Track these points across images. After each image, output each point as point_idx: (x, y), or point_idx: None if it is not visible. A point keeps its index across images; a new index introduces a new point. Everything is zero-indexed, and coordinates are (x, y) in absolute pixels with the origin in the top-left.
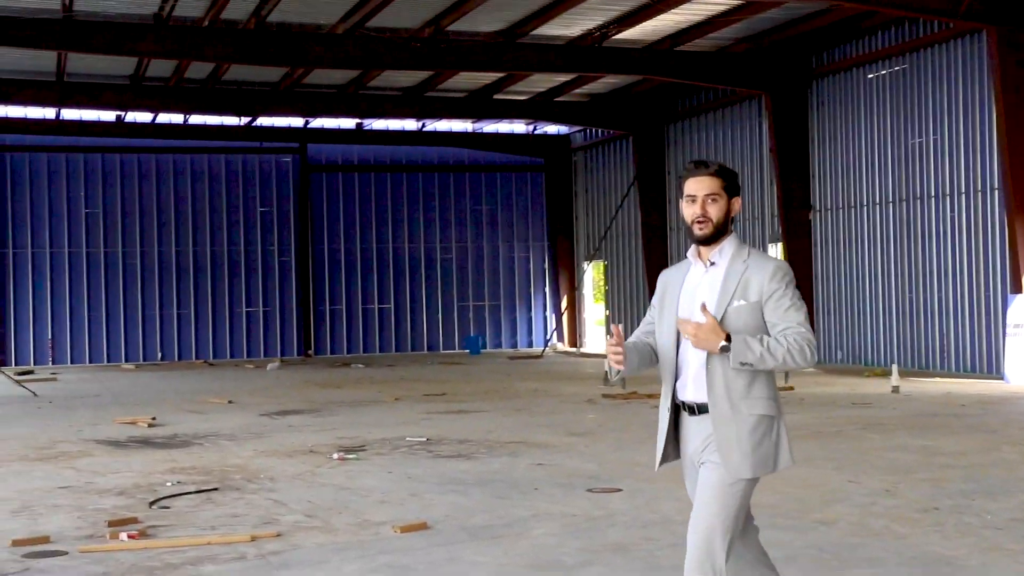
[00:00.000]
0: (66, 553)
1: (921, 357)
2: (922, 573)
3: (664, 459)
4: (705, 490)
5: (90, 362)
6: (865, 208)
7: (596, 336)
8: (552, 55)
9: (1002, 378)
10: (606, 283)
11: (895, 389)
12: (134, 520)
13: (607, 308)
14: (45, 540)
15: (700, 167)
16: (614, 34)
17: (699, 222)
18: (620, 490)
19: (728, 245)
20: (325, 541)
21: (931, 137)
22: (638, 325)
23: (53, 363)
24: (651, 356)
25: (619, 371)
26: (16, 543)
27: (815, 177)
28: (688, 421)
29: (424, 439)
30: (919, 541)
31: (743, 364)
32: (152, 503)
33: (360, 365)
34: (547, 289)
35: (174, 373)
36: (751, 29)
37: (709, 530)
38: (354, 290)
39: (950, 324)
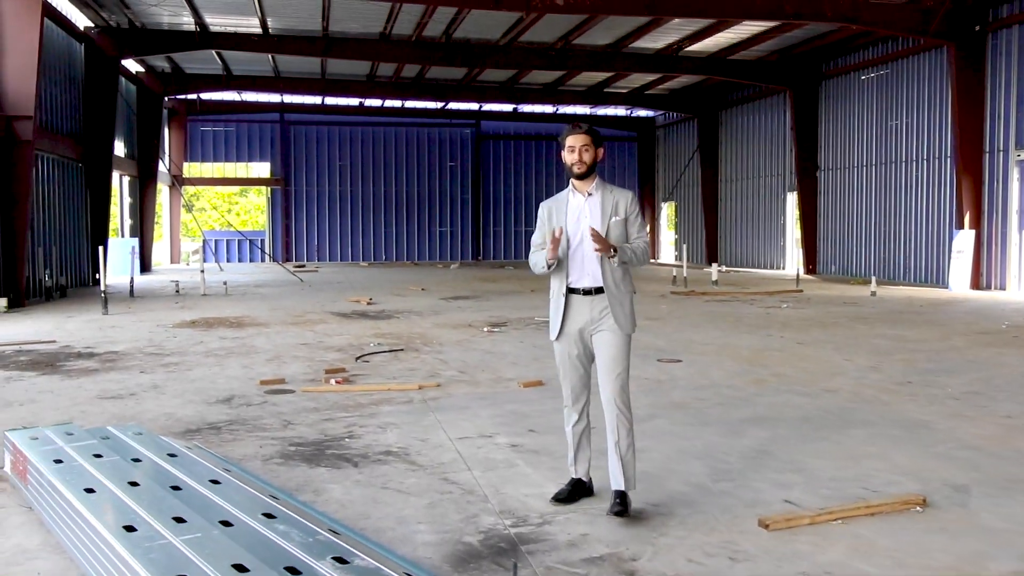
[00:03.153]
0: (293, 392)
1: (891, 271)
2: (904, 432)
3: (560, 332)
4: (611, 349)
5: (340, 260)
6: (856, 169)
7: (669, 252)
8: (644, 61)
9: (947, 287)
10: (676, 216)
11: (873, 293)
12: (343, 370)
13: (676, 232)
14: (282, 381)
15: (576, 128)
16: (687, 47)
17: (577, 164)
18: (680, 361)
19: (597, 182)
20: (470, 391)
21: (904, 120)
22: (697, 246)
23: (317, 260)
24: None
25: (551, 263)
26: (262, 383)
27: (821, 148)
28: (580, 302)
29: (547, 319)
30: (900, 408)
31: (623, 262)
32: (358, 358)
33: (511, 267)
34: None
35: (391, 269)
36: (780, 44)
37: (624, 373)
38: (509, 217)
39: (911, 249)
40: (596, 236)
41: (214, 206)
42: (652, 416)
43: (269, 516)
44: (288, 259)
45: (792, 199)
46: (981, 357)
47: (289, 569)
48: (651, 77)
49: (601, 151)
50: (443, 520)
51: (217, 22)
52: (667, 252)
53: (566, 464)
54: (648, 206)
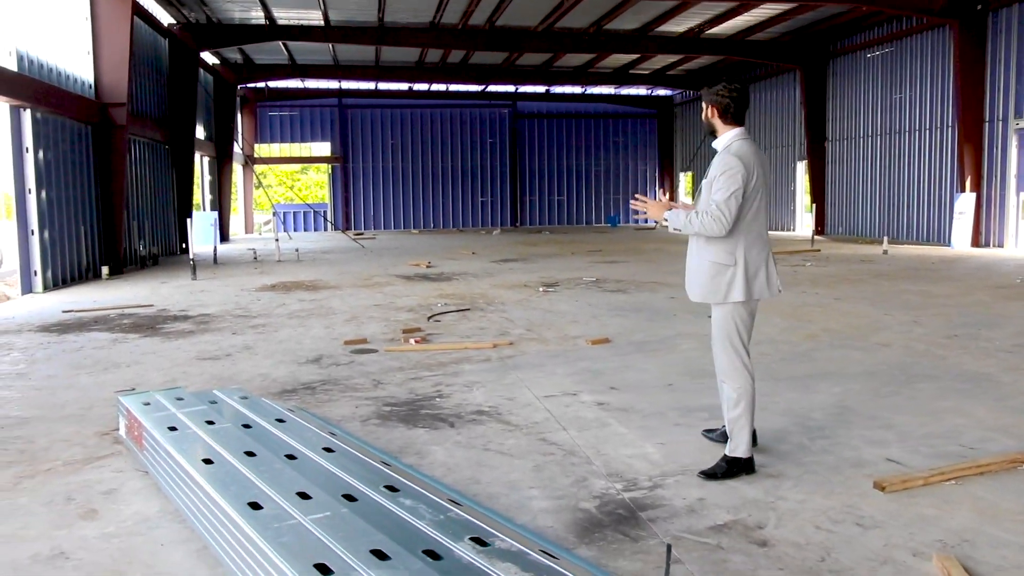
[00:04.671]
0: (376, 351)
1: (895, 231)
2: (970, 386)
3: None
4: (713, 320)
5: (394, 228)
6: (862, 139)
7: None
8: (668, 43)
9: (949, 245)
10: (693, 184)
11: (885, 252)
12: (419, 329)
13: (693, 200)
14: (364, 341)
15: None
16: (707, 30)
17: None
18: None
19: (724, 138)
20: (541, 349)
21: (908, 94)
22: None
23: (373, 228)
24: None
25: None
26: (346, 343)
27: (829, 120)
28: None
29: (594, 279)
30: (956, 361)
31: (675, 229)
32: (429, 317)
33: (547, 232)
34: (657, 188)
35: (440, 235)
36: (793, 26)
37: (718, 343)
38: (543, 187)
39: (915, 210)
40: (636, 200)
41: (280, 182)
42: None
43: (391, 489)
44: (348, 228)
45: (802, 167)
46: (1009, 311)
47: (428, 553)
48: (672, 59)
49: (710, 109)
50: (553, 484)
51: (284, 15)
52: None
53: (655, 422)
54: (668, 176)
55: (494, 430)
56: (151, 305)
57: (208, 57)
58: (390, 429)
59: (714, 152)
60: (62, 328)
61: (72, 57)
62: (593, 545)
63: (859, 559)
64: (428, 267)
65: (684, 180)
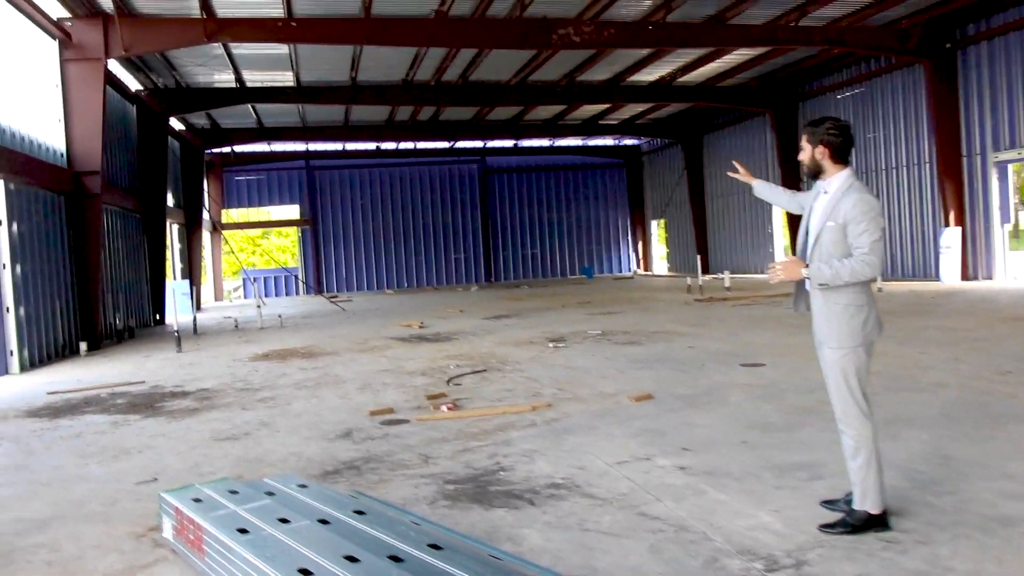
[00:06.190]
0: (408, 421)
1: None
2: None
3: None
4: (824, 363)
5: (367, 289)
6: None
7: (661, 265)
8: (640, 92)
9: (938, 280)
10: (665, 232)
11: (880, 289)
12: (444, 395)
13: (667, 247)
14: (391, 411)
15: (804, 128)
16: (679, 78)
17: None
18: (764, 364)
19: (837, 179)
20: (583, 409)
21: (880, 132)
22: (689, 258)
23: (347, 290)
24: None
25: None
26: (372, 413)
27: None
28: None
29: (600, 332)
30: None
31: (820, 284)
32: (449, 381)
33: (526, 286)
34: (629, 237)
35: (417, 295)
36: (763, 71)
37: (834, 390)
38: (516, 240)
39: (897, 247)
40: (772, 268)
41: (241, 249)
42: (793, 425)
43: None
44: (320, 290)
45: (778, 210)
46: None
47: None
48: (642, 107)
49: (820, 149)
50: (683, 568)
51: (254, 78)
52: (659, 264)
53: (752, 486)
54: (639, 225)
55: (582, 506)
56: (142, 382)
57: (174, 123)
58: (465, 511)
59: (818, 192)
60: (52, 412)
61: (42, 125)
62: None
63: None
64: (421, 327)
65: (656, 228)
